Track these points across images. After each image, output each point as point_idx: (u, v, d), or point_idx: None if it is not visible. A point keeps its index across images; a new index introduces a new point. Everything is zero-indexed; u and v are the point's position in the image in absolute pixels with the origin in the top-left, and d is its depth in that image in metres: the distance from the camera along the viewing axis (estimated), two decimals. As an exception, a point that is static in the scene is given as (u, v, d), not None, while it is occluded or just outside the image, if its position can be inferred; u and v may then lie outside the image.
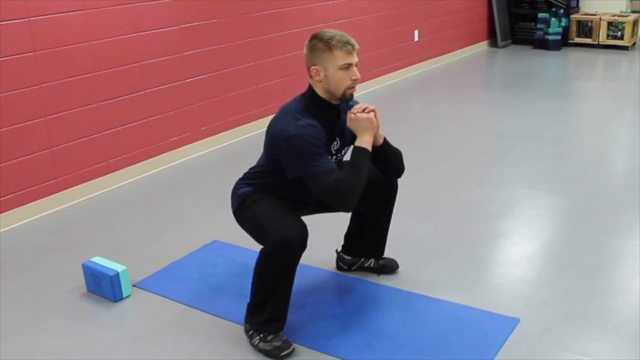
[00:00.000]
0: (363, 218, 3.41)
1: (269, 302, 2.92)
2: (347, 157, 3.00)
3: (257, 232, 2.96)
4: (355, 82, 2.90)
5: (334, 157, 3.02)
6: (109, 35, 4.83)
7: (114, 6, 4.82)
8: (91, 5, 4.67)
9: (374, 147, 2.96)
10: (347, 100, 2.95)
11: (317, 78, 2.89)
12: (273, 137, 2.89)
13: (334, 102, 2.94)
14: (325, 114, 2.94)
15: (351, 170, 2.80)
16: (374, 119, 2.91)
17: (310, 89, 2.95)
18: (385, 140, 3.06)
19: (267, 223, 2.88)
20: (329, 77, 2.86)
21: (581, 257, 3.67)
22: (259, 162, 3.13)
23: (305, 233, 2.83)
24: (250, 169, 3.15)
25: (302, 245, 2.81)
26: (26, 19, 4.30)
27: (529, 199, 4.47)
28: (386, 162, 3.13)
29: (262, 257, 2.87)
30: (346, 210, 2.83)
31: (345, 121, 2.97)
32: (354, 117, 2.89)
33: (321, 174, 2.76)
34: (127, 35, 4.95)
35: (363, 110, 2.91)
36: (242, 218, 3.06)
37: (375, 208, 3.35)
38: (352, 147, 2.92)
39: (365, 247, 3.53)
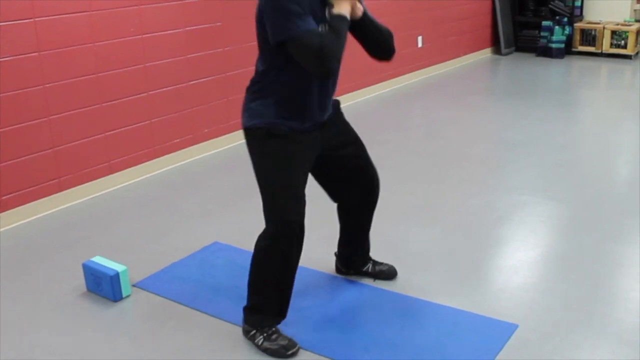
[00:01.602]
0: (347, 225, 3.42)
1: (270, 298, 2.95)
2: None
3: (262, 195, 2.93)
4: None
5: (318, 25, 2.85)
6: (114, 36, 4.84)
7: (119, 8, 4.83)
8: (96, 7, 4.69)
9: (356, 22, 2.87)
10: None
11: None
12: (259, 4, 2.77)
13: None
14: None
15: (331, 34, 2.68)
16: None
17: None
18: (365, 13, 2.94)
19: (272, 199, 2.88)
20: None
21: (582, 265, 3.68)
22: (258, 61, 2.97)
23: (302, 214, 2.86)
24: (254, 74, 3.02)
25: (299, 227, 2.85)
26: (32, 20, 4.32)
27: (531, 206, 4.47)
28: (370, 38, 3.01)
29: (259, 251, 2.90)
30: (326, 75, 2.73)
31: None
32: None
33: (304, 34, 2.64)
34: (132, 37, 4.97)
35: None
36: (249, 151, 3.01)
37: (355, 210, 3.36)
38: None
39: (353, 259, 3.55)
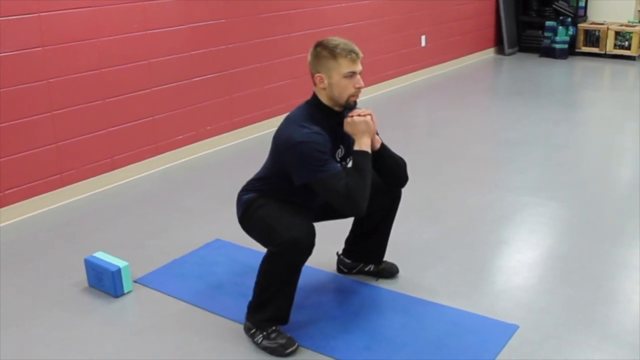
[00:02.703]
0: (364, 225, 3.42)
1: (273, 302, 2.94)
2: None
3: (264, 234, 2.97)
4: (358, 90, 2.92)
5: (339, 164, 3.02)
6: (118, 32, 4.85)
7: (123, 4, 4.84)
8: (100, 3, 4.69)
9: (372, 152, 2.96)
10: (350, 108, 2.97)
11: (321, 85, 2.92)
12: (279, 145, 2.92)
13: (338, 109, 2.96)
14: (329, 121, 2.95)
15: (356, 174, 2.82)
16: (371, 122, 2.91)
17: (315, 97, 2.97)
18: (383, 145, 3.07)
19: (275, 223, 2.90)
20: (333, 85, 2.88)
21: (583, 266, 3.68)
22: (262, 171, 3.14)
23: (313, 233, 2.85)
24: (253, 177, 3.16)
25: (310, 245, 2.84)
26: (36, 14, 4.33)
27: (532, 207, 4.48)
28: (386, 169, 3.13)
29: (269, 256, 2.88)
30: (358, 215, 2.86)
31: None
32: (351, 120, 2.91)
33: (330, 179, 2.78)
34: (136, 33, 4.98)
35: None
36: (248, 222, 3.07)
37: (377, 216, 3.35)
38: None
39: (365, 253, 3.54)
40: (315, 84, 2.95)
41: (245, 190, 3.14)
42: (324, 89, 2.91)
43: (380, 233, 3.45)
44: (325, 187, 2.80)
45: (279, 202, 3.00)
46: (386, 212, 3.37)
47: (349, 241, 3.54)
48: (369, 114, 2.92)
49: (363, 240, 3.48)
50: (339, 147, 3.01)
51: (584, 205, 4.50)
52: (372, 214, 3.32)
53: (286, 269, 2.87)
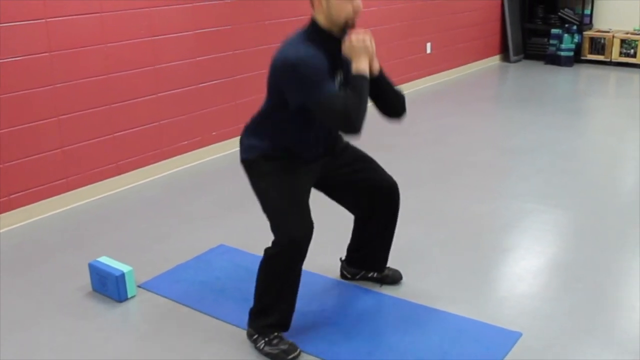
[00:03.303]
0: (366, 232, 3.42)
1: (274, 307, 2.95)
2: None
3: (266, 215, 2.96)
4: (357, 13, 2.84)
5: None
6: (124, 38, 4.87)
7: (130, 10, 4.86)
8: (107, 8, 4.72)
9: (372, 80, 2.90)
10: (348, 29, 2.87)
11: (319, 7, 2.84)
12: (276, 67, 2.83)
13: (336, 32, 2.86)
14: (327, 45, 2.86)
15: (353, 94, 2.74)
16: (369, 43, 2.84)
17: (313, 21, 2.89)
18: (382, 72, 3.01)
19: (276, 218, 2.91)
20: (331, 6, 2.81)
21: (587, 274, 3.67)
22: (262, 106, 3.04)
23: (311, 229, 2.87)
24: (255, 114, 3.08)
25: (308, 242, 2.86)
26: (43, 20, 4.35)
27: (537, 214, 4.47)
28: (383, 97, 3.06)
29: (267, 258, 2.90)
30: (354, 134, 2.75)
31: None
32: (349, 43, 2.83)
33: (327, 98, 2.71)
34: (142, 39, 5.00)
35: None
36: (251, 182, 3.05)
37: (378, 222, 3.36)
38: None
39: (367, 260, 3.54)
40: (313, 7, 2.87)
41: (247, 132, 3.07)
42: (322, 11, 2.83)
43: (381, 240, 3.44)
44: (321, 106, 2.73)
45: (281, 175, 2.95)
46: (387, 218, 3.37)
47: (350, 248, 3.54)
48: (368, 36, 2.84)
49: (365, 248, 3.48)
50: (337, 73, 2.92)
51: (588, 213, 4.50)
52: (373, 219, 3.33)
53: (284, 269, 2.89)
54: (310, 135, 2.98)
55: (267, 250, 2.93)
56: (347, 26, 2.85)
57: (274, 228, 2.91)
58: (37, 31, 4.34)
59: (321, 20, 2.87)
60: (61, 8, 4.45)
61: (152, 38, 5.07)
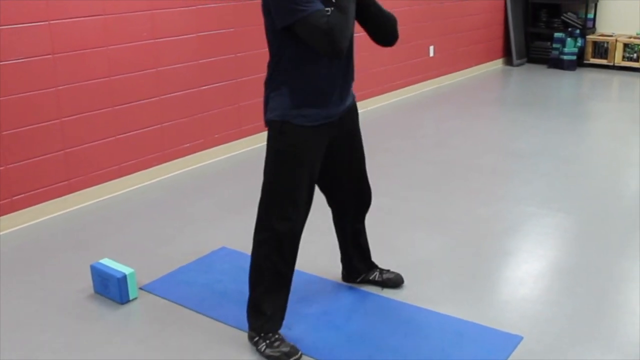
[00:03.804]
0: (344, 233, 3.44)
1: (265, 301, 2.99)
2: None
3: (262, 194, 2.96)
4: None
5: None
6: (127, 40, 4.88)
7: (133, 12, 4.87)
8: (110, 11, 4.72)
9: (361, 3, 2.85)
10: None
11: None
12: None
13: None
14: None
15: (338, 13, 2.66)
16: None
17: None
18: None
19: (264, 201, 2.93)
20: None
21: (589, 278, 3.67)
22: (270, 53, 2.95)
23: (296, 225, 2.92)
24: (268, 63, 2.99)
25: (288, 237, 2.92)
26: (46, 22, 4.36)
27: (539, 218, 4.47)
28: (374, 22, 2.98)
29: (254, 246, 2.96)
30: (338, 55, 2.68)
31: None
32: None
33: (311, 15, 2.62)
34: (145, 41, 5.00)
35: None
36: (267, 144, 2.97)
37: (349, 226, 3.40)
38: None
39: (358, 263, 3.55)
40: None
41: (266, 86, 2.96)
42: None
43: (355, 238, 3.46)
44: (305, 24, 2.64)
45: (292, 161, 2.89)
46: (354, 215, 3.39)
47: (343, 260, 3.57)
48: None
49: (347, 253, 3.50)
50: None
51: (590, 217, 4.49)
52: (342, 215, 3.36)
53: (266, 257, 2.94)
54: (324, 73, 2.87)
55: (254, 235, 2.98)
56: None
57: (262, 205, 2.94)
58: (40, 33, 4.35)
59: None
60: (64, 10, 4.46)
61: (155, 40, 5.08)
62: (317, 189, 3.10)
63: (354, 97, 3.14)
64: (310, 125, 2.89)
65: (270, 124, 2.94)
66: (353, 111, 3.14)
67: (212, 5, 5.47)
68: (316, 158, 2.99)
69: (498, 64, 10.00)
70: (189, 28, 5.33)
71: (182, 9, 5.23)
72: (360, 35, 3.06)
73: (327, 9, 2.66)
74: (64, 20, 4.46)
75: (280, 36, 2.78)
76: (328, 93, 2.91)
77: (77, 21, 4.54)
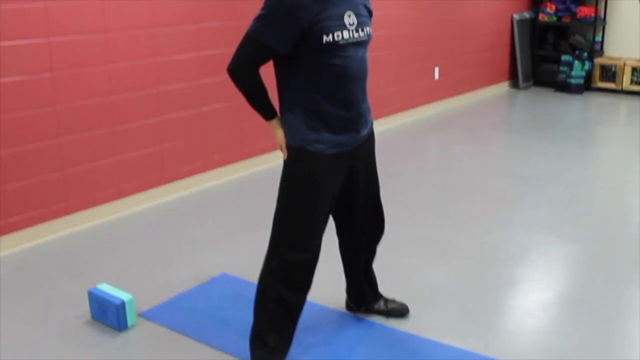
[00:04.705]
0: (349, 267, 3.36)
1: (269, 332, 2.89)
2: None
3: (275, 221, 2.87)
4: None
5: (353, 33, 2.73)
6: (127, 59, 4.82)
7: (132, 30, 4.82)
8: (111, 29, 4.68)
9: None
10: None
11: None
12: None
13: None
14: None
15: (257, 87, 2.95)
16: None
17: None
18: None
19: (276, 231, 2.85)
20: None
21: (597, 307, 3.59)
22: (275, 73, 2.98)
23: (310, 258, 2.85)
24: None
25: (299, 269, 2.84)
26: (46, 40, 4.31)
27: (546, 245, 4.39)
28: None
29: (262, 276, 2.87)
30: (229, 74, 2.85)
31: None
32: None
33: (251, 39, 2.73)
34: (145, 61, 4.95)
35: None
36: (283, 167, 2.89)
37: (359, 257, 3.32)
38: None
39: (357, 294, 3.46)
40: None
41: (280, 110, 2.97)
42: None
43: (364, 267, 3.37)
44: (242, 41, 2.76)
45: (308, 192, 2.80)
46: (366, 244, 3.30)
47: (349, 290, 3.47)
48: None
49: (354, 283, 3.41)
50: (346, 12, 2.71)
51: (598, 245, 4.41)
52: (353, 244, 3.27)
53: (278, 288, 2.84)
54: (340, 97, 2.79)
55: (263, 265, 2.89)
56: None
57: (274, 235, 2.86)
58: (39, 51, 4.30)
59: None
60: (64, 28, 4.41)
61: (156, 60, 5.02)
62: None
63: (371, 124, 3.05)
64: (328, 153, 2.80)
65: (291, 149, 2.84)
66: (371, 138, 3.05)
67: (213, 24, 5.42)
68: (334, 187, 2.89)
69: (504, 86, 9.95)
70: (189, 47, 5.28)
71: (183, 28, 5.18)
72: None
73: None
74: (63, 38, 4.41)
75: (288, 66, 2.77)
76: (340, 114, 2.80)
77: (77, 39, 4.49)
